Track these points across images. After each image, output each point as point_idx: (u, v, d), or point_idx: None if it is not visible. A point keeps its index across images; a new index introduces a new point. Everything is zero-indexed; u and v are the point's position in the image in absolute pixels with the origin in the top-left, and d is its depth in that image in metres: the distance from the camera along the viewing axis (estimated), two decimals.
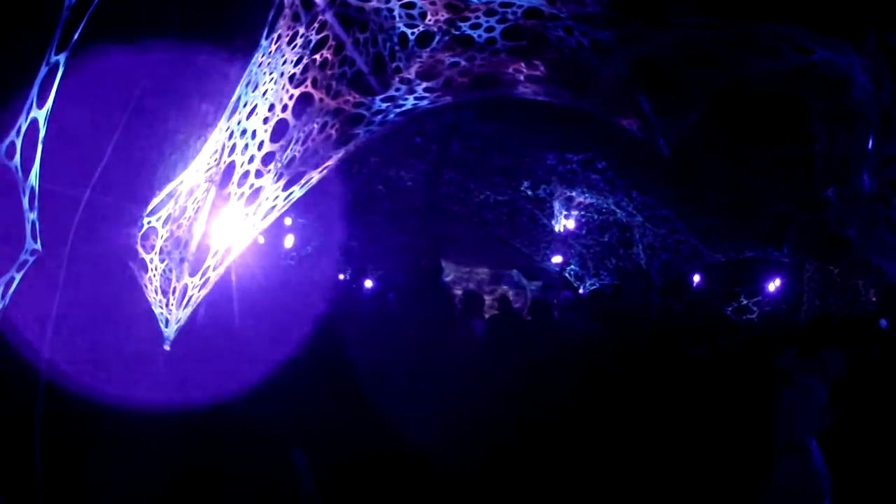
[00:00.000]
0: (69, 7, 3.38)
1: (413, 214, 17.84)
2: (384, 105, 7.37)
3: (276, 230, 16.53)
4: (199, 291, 5.79)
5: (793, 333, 12.60)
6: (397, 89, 7.30)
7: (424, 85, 7.46)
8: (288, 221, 17.22)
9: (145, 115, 5.64)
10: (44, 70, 3.51)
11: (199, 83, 5.91)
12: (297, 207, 16.61)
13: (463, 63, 7.43)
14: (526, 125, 14.33)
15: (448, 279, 22.97)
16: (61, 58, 3.54)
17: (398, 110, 7.59)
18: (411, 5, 6.70)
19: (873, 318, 12.58)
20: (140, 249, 5.87)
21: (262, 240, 13.89)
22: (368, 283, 19.31)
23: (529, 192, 18.53)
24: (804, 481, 4.69)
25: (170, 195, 5.84)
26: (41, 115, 3.71)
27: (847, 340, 9.05)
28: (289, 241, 17.36)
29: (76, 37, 3.55)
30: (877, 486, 6.33)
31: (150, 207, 5.89)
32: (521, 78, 8.01)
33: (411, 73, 7.25)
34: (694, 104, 8.36)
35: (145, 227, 5.87)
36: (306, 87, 6.28)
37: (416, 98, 7.58)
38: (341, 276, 18.91)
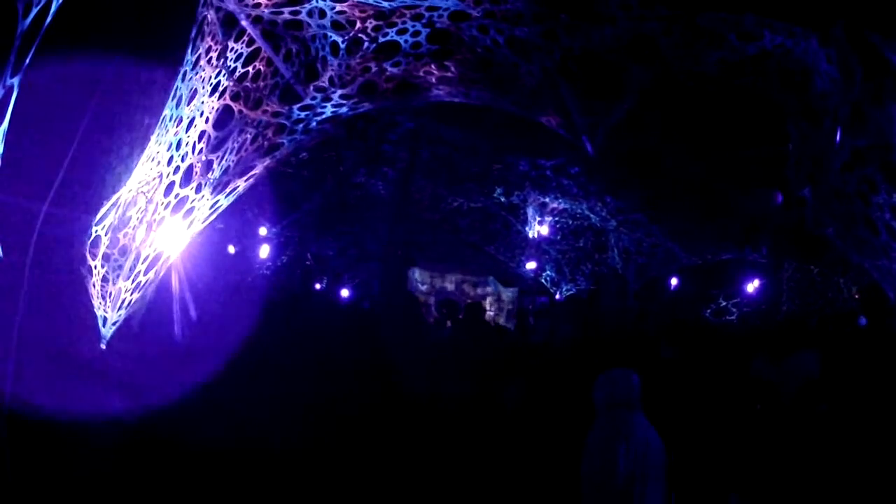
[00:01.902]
0: (21, 35, 3.54)
1: (385, 222, 17.86)
2: (303, 114, 7.45)
3: (251, 239, 16.61)
4: (131, 295, 5.94)
5: (768, 335, 12.61)
6: (313, 98, 7.37)
7: (340, 92, 7.53)
8: (263, 231, 17.28)
9: (96, 129, 5.78)
10: (0, 93, 3.66)
11: (142, 97, 6.06)
12: (271, 218, 16.77)
13: (387, 69, 7.52)
14: (497, 130, 14.40)
15: (423, 287, 23.04)
16: (15, 80, 3.69)
17: (318, 118, 7.66)
18: (322, 13, 6.78)
19: (854, 315, 12.59)
20: (88, 256, 5.98)
21: (232, 249, 14.00)
22: (345, 292, 19.38)
23: (503, 199, 18.54)
24: (590, 451, 5.57)
25: (114, 205, 5.95)
26: None
27: (820, 342, 9.09)
28: (264, 251, 17.41)
29: (27, 62, 3.71)
30: (860, 482, 6.38)
31: (97, 216, 6.00)
32: (433, 80, 8.04)
33: (325, 82, 7.35)
34: (624, 100, 8.35)
35: (93, 235, 5.98)
36: (225, 99, 6.46)
37: (333, 105, 7.64)
38: (318, 286, 18.98)
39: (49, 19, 3.81)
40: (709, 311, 20.19)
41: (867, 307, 12.74)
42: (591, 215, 18.78)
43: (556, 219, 19.55)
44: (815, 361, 7.85)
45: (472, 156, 16.18)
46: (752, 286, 20.04)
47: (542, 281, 20.87)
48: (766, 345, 9.48)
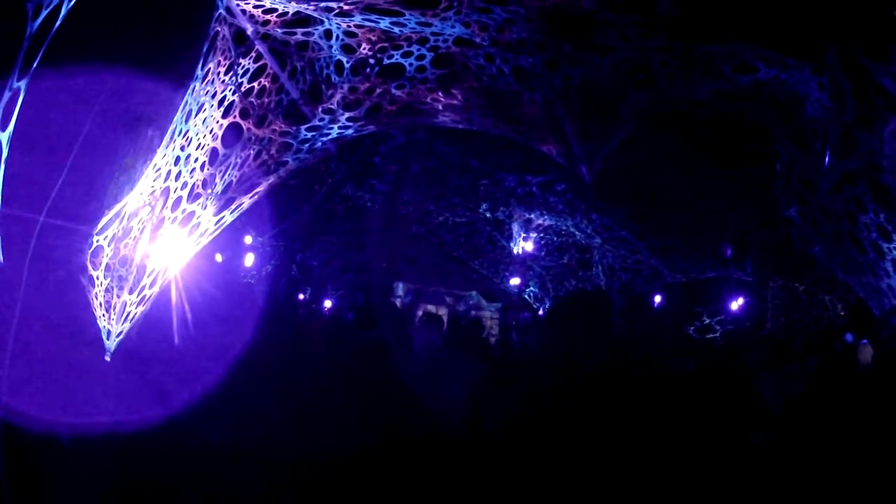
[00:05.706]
0: (29, 37, 3.53)
1: (371, 234, 17.83)
2: (309, 134, 7.55)
3: (236, 248, 16.53)
4: (136, 308, 5.92)
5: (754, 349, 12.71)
6: (321, 119, 7.47)
7: (347, 115, 7.61)
8: (248, 240, 17.19)
9: (98, 138, 5.77)
10: (7, 95, 3.65)
11: (147, 108, 6.08)
12: (257, 227, 16.70)
13: (394, 93, 7.60)
14: (485, 147, 14.43)
15: (407, 300, 22.98)
16: (22, 84, 3.69)
17: (325, 139, 7.75)
18: (330, 35, 6.89)
19: (840, 332, 12.67)
20: (89, 266, 5.96)
21: (219, 258, 13.90)
22: (328, 303, 19.33)
23: (488, 214, 18.56)
24: None
25: (116, 215, 5.94)
26: (4, 137, 3.83)
27: (811, 355, 9.17)
28: (249, 259, 17.33)
29: (35, 65, 3.71)
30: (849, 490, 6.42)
31: (99, 226, 5.98)
32: (440, 107, 8.14)
33: (333, 104, 7.42)
34: (620, 128, 8.43)
35: (94, 245, 5.96)
36: (234, 117, 6.54)
37: (340, 127, 7.74)
38: (301, 296, 18.91)
39: (58, 23, 3.80)
40: (692, 328, 20.27)
41: (855, 324, 12.85)
42: (576, 232, 18.82)
43: (541, 235, 19.59)
44: (804, 373, 7.92)
45: (461, 171, 16.20)
46: (736, 304, 20.13)
47: (526, 297, 20.89)
48: (754, 356, 9.56)
